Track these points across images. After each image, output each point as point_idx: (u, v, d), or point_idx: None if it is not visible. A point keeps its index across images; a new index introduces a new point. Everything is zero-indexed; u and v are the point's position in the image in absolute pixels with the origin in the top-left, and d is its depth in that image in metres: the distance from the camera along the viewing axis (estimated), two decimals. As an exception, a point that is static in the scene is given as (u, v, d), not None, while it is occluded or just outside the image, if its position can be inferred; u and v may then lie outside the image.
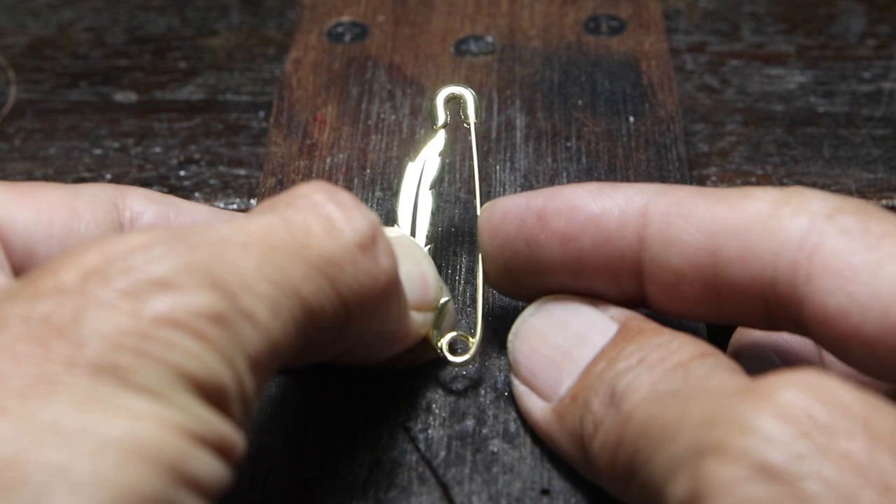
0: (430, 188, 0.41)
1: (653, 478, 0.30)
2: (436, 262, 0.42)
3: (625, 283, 0.36)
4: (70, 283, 0.27)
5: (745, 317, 0.34)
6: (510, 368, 0.37)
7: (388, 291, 0.33)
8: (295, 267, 0.30)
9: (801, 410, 0.28)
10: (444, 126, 0.42)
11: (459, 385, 0.39)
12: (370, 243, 0.32)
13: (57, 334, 0.26)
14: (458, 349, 0.39)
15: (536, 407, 0.36)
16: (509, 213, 0.37)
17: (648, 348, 0.33)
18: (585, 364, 0.35)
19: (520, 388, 0.37)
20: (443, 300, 0.38)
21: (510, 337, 0.38)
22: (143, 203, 0.38)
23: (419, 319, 0.37)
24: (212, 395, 0.27)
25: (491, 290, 0.40)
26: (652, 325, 0.35)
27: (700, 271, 0.34)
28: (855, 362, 0.32)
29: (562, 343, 0.36)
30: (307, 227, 0.31)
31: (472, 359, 0.38)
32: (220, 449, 0.27)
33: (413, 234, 0.40)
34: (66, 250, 0.30)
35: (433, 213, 0.41)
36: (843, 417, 0.27)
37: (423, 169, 0.41)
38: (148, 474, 0.25)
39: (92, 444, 0.25)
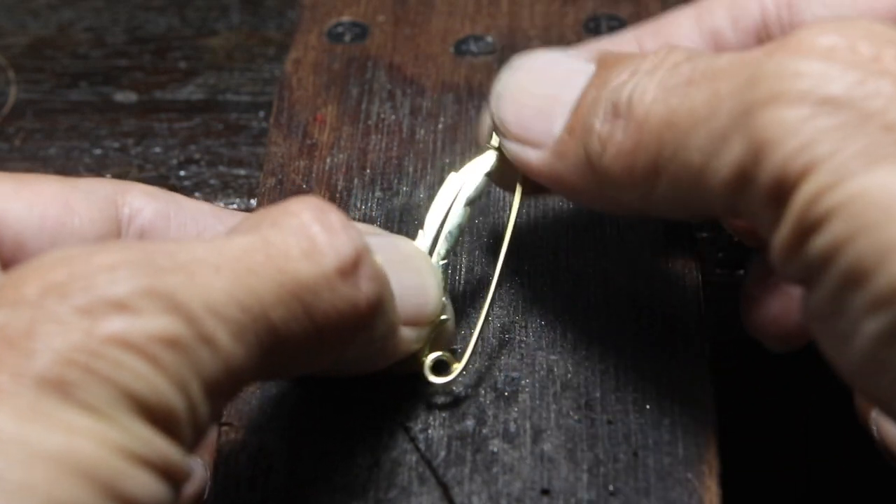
0: (466, 204, 0.39)
1: (687, 165, 0.31)
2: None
3: None
4: (30, 296, 0.27)
5: None
6: (497, 131, 0.37)
7: (368, 318, 0.32)
8: (268, 291, 0.30)
9: (845, 47, 0.29)
10: (497, 148, 0.39)
11: (459, 385, 0.39)
12: (352, 268, 0.32)
13: (8, 345, 0.26)
14: (442, 369, 0.38)
15: (533, 156, 0.36)
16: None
17: (636, 63, 0.34)
18: (574, 101, 0.35)
19: (513, 147, 0.37)
20: (442, 317, 0.37)
21: (492, 100, 0.38)
22: (143, 200, 0.38)
23: (410, 336, 0.36)
24: (159, 418, 0.27)
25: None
26: (629, 52, 0.35)
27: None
28: None
29: (546, 91, 0.36)
30: (287, 250, 0.31)
31: (453, 381, 0.38)
32: (163, 471, 0.27)
33: (434, 244, 0.39)
34: (56, 244, 0.31)
35: (461, 229, 0.39)
36: (886, 45, 0.29)
37: (464, 183, 0.39)
38: (79, 489, 0.25)
39: (26, 454, 0.25)
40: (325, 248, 0.31)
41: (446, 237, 0.39)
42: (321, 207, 0.32)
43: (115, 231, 0.37)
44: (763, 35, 0.35)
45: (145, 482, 0.27)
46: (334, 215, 0.32)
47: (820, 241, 0.28)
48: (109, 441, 0.26)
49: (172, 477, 0.27)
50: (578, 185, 0.35)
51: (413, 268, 0.37)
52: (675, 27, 0.38)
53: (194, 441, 0.29)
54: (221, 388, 0.29)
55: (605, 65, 0.35)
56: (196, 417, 0.28)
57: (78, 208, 0.36)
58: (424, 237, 0.39)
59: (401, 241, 0.38)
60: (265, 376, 0.32)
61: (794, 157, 0.28)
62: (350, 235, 0.32)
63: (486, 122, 0.40)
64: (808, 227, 0.28)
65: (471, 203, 0.39)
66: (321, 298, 0.31)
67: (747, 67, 0.30)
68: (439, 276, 0.38)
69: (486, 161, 0.39)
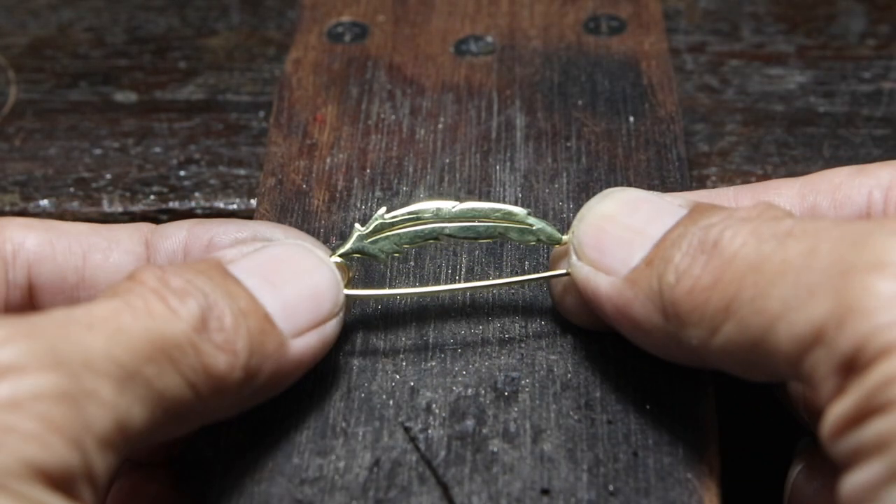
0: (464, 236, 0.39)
1: (762, 311, 0.30)
2: (436, 263, 0.43)
3: None
4: None
5: None
6: (573, 253, 0.37)
7: (233, 363, 0.33)
8: (139, 349, 0.31)
9: None
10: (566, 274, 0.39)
11: (459, 385, 0.39)
12: (202, 325, 0.33)
13: None
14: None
15: (604, 282, 0.36)
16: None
17: (730, 210, 0.33)
18: (659, 236, 0.35)
19: (584, 270, 0.37)
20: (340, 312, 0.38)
21: (574, 223, 0.38)
22: (22, 233, 0.38)
23: (311, 339, 0.36)
24: (57, 479, 0.27)
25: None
26: (717, 205, 0.35)
27: None
28: None
29: (633, 223, 0.36)
30: (149, 310, 0.32)
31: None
32: None
33: (370, 236, 0.39)
34: None
35: (415, 243, 0.39)
36: None
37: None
38: None
39: None
40: (177, 309, 0.33)
41: (396, 238, 0.39)
42: (160, 273, 0.33)
43: (1, 271, 0.37)
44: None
45: None
46: (175, 278, 0.33)
47: (883, 425, 0.27)
48: None
49: None
50: (642, 317, 0.34)
51: (296, 273, 0.37)
52: (776, 195, 0.37)
53: (95, 500, 0.29)
54: (114, 441, 0.29)
55: (698, 209, 0.35)
56: (93, 475, 0.29)
57: None
58: (362, 228, 0.39)
59: (283, 246, 0.38)
60: (172, 431, 0.33)
61: (880, 332, 0.27)
62: (192, 295, 0.33)
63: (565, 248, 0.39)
64: (876, 407, 0.27)
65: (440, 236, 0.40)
66: (186, 355, 0.32)
67: (853, 232, 0.29)
68: (332, 267, 0.38)
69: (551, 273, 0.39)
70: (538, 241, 0.39)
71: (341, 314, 0.38)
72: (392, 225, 0.39)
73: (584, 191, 0.45)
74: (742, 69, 0.57)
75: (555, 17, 0.54)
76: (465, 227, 0.39)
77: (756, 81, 0.56)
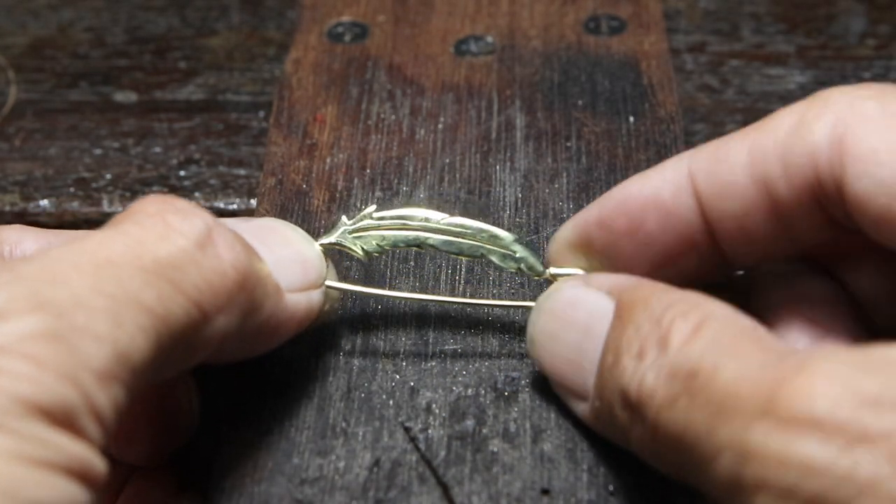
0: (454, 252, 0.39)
1: (698, 467, 0.30)
2: (436, 263, 0.43)
3: (701, 249, 0.36)
4: None
5: (814, 234, 0.35)
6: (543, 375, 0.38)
7: (241, 283, 0.33)
8: (132, 277, 0.30)
9: (841, 416, 0.27)
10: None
11: (459, 385, 0.39)
12: (207, 240, 0.32)
13: None
14: None
15: (578, 408, 0.36)
16: (573, 235, 0.37)
17: (644, 332, 0.33)
18: (598, 358, 0.35)
19: (557, 390, 0.37)
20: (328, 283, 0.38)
21: (527, 347, 0.38)
22: (18, 235, 0.37)
23: (301, 300, 0.37)
24: (56, 415, 0.27)
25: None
26: (641, 295, 0.34)
27: (757, 205, 0.34)
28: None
29: (573, 340, 0.36)
30: (142, 237, 0.31)
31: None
32: (69, 471, 0.27)
33: (353, 232, 0.40)
34: None
35: (394, 246, 0.39)
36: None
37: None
38: None
39: None
40: (178, 227, 0.32)
41: (380, 238, 0.39)
42: (165, 198, 0.33)
43: None
44: (819, 193, 0.34)
45: (51, 486, 0.26)
46: (180, 201, 0.33)
47: None
48: (8, 451, 0.26)
49: (82, 475, 0.27)
50: (625, 445, 0.35)
51: (282, 239, 0.38)
52: (729, 172, 0.35)
53: (103, 435, 0.28)
54: (118, 375, 0.29)
55: (621, 313, 0.34)
56: (97, 409, 0.28)
57: None
58: (347, 222, 0.39)
59: (266, 220, 0.39)
60: (183, 360, 0.32)
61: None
62: (199, 214, 0.33)
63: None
64: None
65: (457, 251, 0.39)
66: (188, 273, 0.31)
67: (733, 425, 0.29)
68: (315, 245, 0.39)
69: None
70: (518, 269, 0.39)
71: (324, 288, 0.38)
72: (378, 225, 0.39)
73: (584, 191, 0.45)
74: (742, 69, 0.57)
75: (555, 17, 0.54)
76: (449, 241, 0.39)
77: (756, 81, 0.56)
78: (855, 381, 0.27)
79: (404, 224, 0.39)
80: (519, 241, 0.39)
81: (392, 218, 0.39)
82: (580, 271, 0.38)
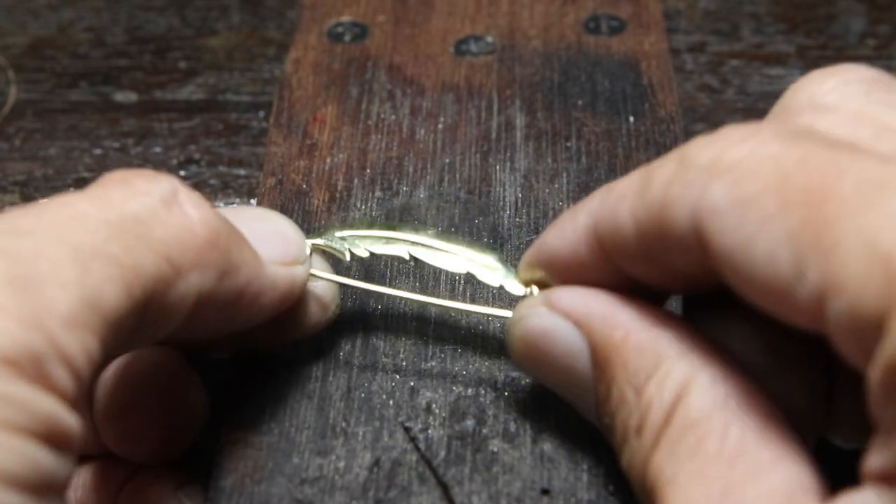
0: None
1: None
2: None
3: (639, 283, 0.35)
4: None
5: (710, 282, 0.33)
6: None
7: (212, 240, 0.33)
8: (96, 230, 0.30)
9: None
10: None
11: (459, 385, 0.39)
12: (172, 198, 0.32)
13: None
14: None
15: (584, 416, 0.36)
16: (528, 271, 0.37)
17: (628, 406, 0.32)
18: (590, 389, 0.34)
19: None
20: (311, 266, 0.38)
21: (514, 363, 0.37)
22: None
23: (282, 272, 0.36)
24: (18, 362, 0.26)
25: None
26: (613, 342, 0.33)
27: (652, 266, 0.33)
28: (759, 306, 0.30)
29: (557, 375, 0.35)
30: (107, 197, 0.31)
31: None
32: (36, 433, 0.26)
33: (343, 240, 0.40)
34: None
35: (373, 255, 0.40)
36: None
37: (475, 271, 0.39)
38: None
39: None
40: (143, 187, 0.32)
41: (367, 244, 0.39)
42: (130, 171, 0.33)
43: None
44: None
45: (12, 449, 0.25)
46: (143, 170, 0.33)
47: None
48: None
49: (51, 436, 0.26)
50: None
51: (260, 216, 0.38)
52: (619, 228, 0.33)
53: (75, 385, 0.27)
54: (88, 322, 0.28)
55: (599, 365, 0.33)
56: (66, 355, 0.27)
57: None
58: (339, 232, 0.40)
59: (245, 206, 0.40)
60: (158, 318, 0.32)
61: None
62: (164, 178, 0.33)
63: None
64: None
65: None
66: (153, 227, 0.31)
67: None
68: (294, 224, 0.38)
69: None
70: (501, 287, 0.38)
71: (308, 265, 0.38)
72: (367, 235, 0.40)
73: (585, 191, 0.45)
74: (742, 69, 0.57)
75: (555, 17, 0.54)
76: (435, 255, 0.39)
77: (756, 81, 0.56)
78: None
79: (391, 238, 0.39)
80: (500, 259, 0.39)
81: (381, 229, 0.40)
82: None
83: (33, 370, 0.26)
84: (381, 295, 0.41)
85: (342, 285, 0.40)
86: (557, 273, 0.36)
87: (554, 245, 0.36)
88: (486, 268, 0.39)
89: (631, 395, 0.32)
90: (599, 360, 0.33)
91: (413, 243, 0.39)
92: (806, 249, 0.27)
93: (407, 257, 0.39)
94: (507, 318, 0.37)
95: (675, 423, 0.30)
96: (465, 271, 0.39)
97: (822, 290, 0.27)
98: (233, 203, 0.51)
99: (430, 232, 0.40)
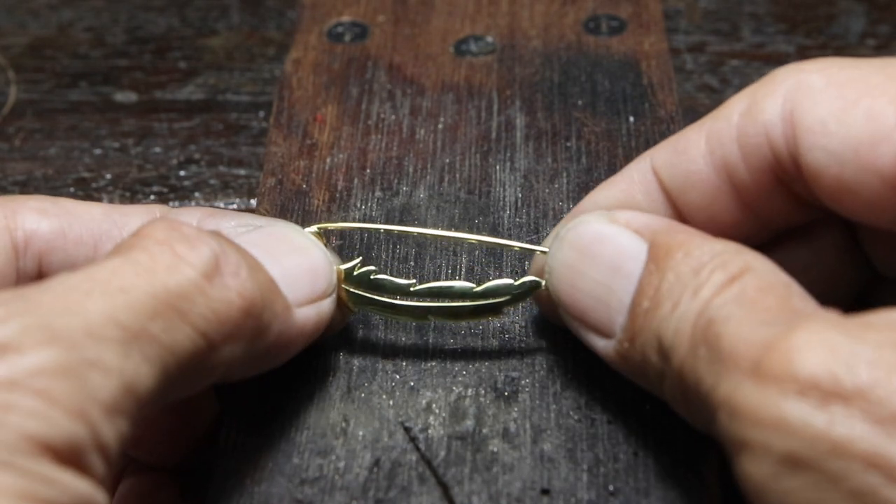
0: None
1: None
2: (436, 263, 0.43)
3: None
4: None
5: (781, 214, 0.35)
6: (556, 303, 0.37)
7: (247, 310, 0.33)
8: (142, 306, 0.30)
9: (827, 380, 0.27)
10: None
11: (459, 385, 0.39)
12: (214, 270, 0.32)
13: None
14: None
15: (598, 344, 0.36)
16: None
17: (684, 281, 0.33)
18: (630, 299, 0.34)
19: (574, 324, 0.37)
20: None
21: (546, 276, 0.37)
22: (35, 219, 0.37)
23: (310, 313, 0.36)
24: (63, 453, 0.27)
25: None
26: (679, 240, 0.34)
27: (721, 191, 0.35)
28: (855, 214, 0.33)
29: (600, 278, 0.35)
30: (152, 266, 0.31)
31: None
32: None
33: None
34: None
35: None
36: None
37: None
38: None
39: None
40: (186, 256, 0.32)
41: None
42: (172, 224, 0.33)
43: (11, 260, 0.36)
44: (778, 172, 0.34)
45: None
46: (186, 227, 0.33)
47: None
48: (15, 491, 0.26)
49: None
50: (641, 384, 0.35)
51: (293, 248, 0.37)
52: (690, 163, 0.36)
53: (107, 470, 0.29)
54: (124, 408, 0.29)
55: (656, 258, 0.34)
56: (102, 444, 0.28)
57: None
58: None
59: (276, 226, 0.38)
60: (187, 387, 0.32)
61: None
62: (204, 240, 0.33)
63: (537, 262, 0.38)
64: None
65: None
66: (195, 304, 0.31)
67: (735, 374, 0.29)
68: (324, 250, 0.38)
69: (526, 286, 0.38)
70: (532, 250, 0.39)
71: (334, 295, 0.38)
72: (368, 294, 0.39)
73: (584, 191, 0.45)
74: (742, 69, 0.57)
75: (555, 17, 0.54)
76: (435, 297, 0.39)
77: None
78: (837, 342, 0.28)
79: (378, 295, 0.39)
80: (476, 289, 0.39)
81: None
82: None
83: (74, 458, 0.27)
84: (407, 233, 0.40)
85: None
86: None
87: (599, 197, 0.37)
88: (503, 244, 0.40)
89: (689, 274, 0.33)
90: (659, 254, 0.34)
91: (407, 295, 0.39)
92: None
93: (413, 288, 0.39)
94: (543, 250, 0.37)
95: (735, 285, 0.31)
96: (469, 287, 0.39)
97: None
98: (233, 203, 0.51)
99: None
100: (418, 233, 0.40)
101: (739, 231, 0.35)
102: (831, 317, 0.29)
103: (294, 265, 0.36)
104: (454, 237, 0.40)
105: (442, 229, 0.41)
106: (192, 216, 0.38)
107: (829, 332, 0.28)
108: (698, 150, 0.35)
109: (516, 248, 0.40)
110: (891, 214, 0.32)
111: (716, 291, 0.32)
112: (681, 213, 0.36)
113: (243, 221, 0.38)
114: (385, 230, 0.41)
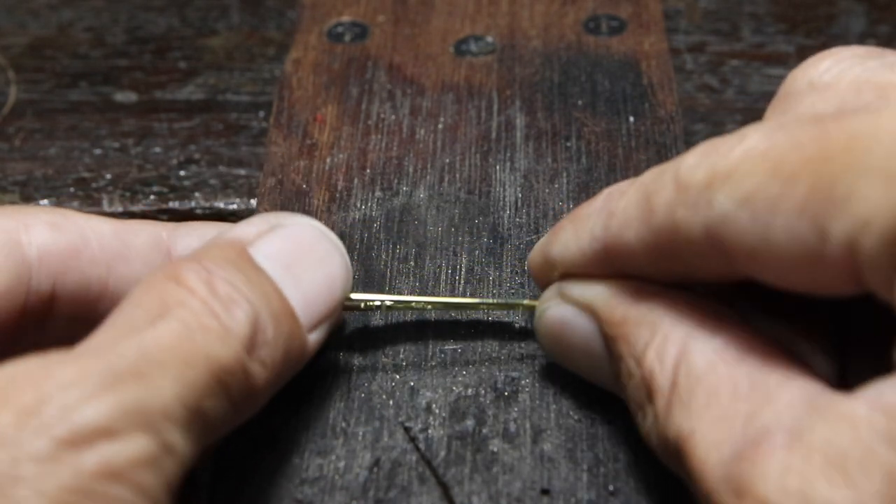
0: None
1: None
2: (436, 263, 0.43)
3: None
4: (5, 427, 0.26)
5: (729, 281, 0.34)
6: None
7: (274, 381, 0.33)
8: (202, 383, 0.30)
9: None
10: None
11: (459, 385, 0.39)
12: (253, 344, 0.32)
13: None
14: None
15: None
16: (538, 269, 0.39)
17: (635, 380, 0.33)
18: (611, 372, 0.35)
19: None
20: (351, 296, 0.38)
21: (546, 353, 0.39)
22: (49, 235, 0.35)
23: (323, 333, 0.36)
24: None
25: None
26: (619, 322, 0.34)
27: (670, 278, 0.34)
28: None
29: (579, 359, 0.37)
30: (205, 332, 0.31)
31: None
32: None
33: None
34: None
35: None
36: None
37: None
38: None
39: None
40: (229, 325, 0.32)
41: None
42: (207, 278, 0.32)
43: (24, 279, 0.34)
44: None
45: None
46: (221, 284, 0.32)
47: None
48: None
49: None
50: None
51: (317, 259, 0.36)
52: (629, 253, 0.35)
53: None
54: (176, 487, 0.29)
55: (610, 346, 0.35)
56: None
57: None
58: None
59: (297, 226, 0.37)
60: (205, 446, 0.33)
61: None
62: (242, 304, 0.32)
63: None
64: None
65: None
66: (237, 379, 0.31)
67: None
68: (343, 251, 0.37)
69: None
70: (520, 306, 0.40)
71: (342, 303, 0.38)
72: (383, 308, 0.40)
73: (584, 191, 0.45)
74: (742, 69, 0.57)
75: (555, 17, 0.54)
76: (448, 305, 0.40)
77: (756, 81, 0.56)
78: (803, 467, 0.27)
79: (407, 301, 0.40)
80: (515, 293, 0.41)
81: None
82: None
83: None
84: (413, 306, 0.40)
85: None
86: (566, 271, 0.37)
87: (561, 255, 0.37)
88: (505, 304, 0.40)
89: (634, 367, 0.33)
90: (608, 340, 0.35)
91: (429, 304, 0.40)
92: (822, 211, 0.28)
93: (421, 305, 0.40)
94: (534, 307, 0.39)
95: (681, 384, 0.31)
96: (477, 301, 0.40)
97: (851, 237, 0.27)
98: (233, 203, 0.51)
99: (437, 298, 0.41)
100: (430, 302, 0.40)
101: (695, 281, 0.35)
102: (792, 422, 0.28)
103: (314, 284, 0.36)
104: (462, 303, 0.41)
105: (454, 297, 0.41)
106: (195, 233, 0.38)
107: (794, 447, 0.27)
108: (640, 254, 0.34)
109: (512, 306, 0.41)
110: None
111: (666, 404, 0.31)
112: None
113: (263, 220, 0.37)
114: (408, 302, 0.40)
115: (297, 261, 0.36)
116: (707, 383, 0.31)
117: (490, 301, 0.41)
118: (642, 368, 0.33)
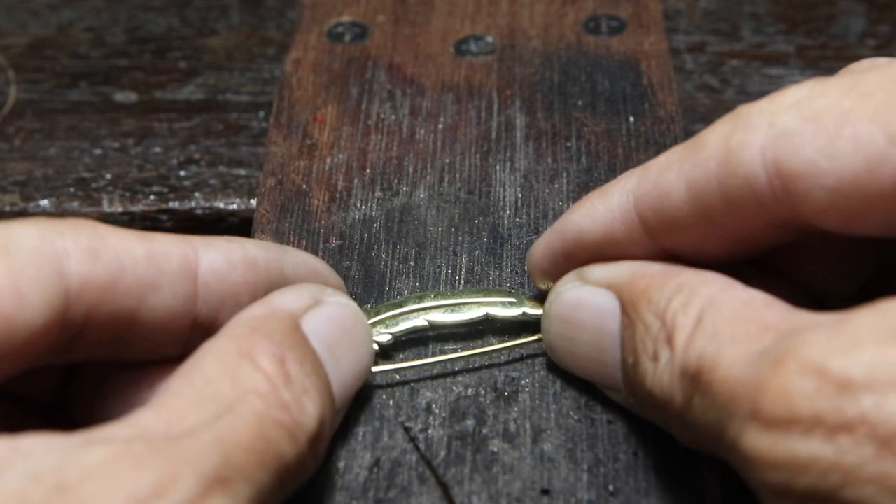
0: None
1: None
2: (436, 263, 0.43)
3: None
4: None
5: (765, 242, 0.35)
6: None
7: (316, 466, 0.34)
8: (271, 485, 0.30)
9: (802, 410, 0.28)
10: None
11: (459, 385, 0.39)
12: (316, 441, 0.32)
13: None
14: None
15: (616, 398, 0.37)
16: (543, 262, 0.39)
17: (653, 331, 0.33)
18: (619, 357, 0.36)
19: (592, 381, 0.38)
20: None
21: (549, 354, 0.39)
22: (87, 267, 0.33)
23: (340, 418, 0.37)
24: None
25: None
26: (641, 288, 0.35)
27: (706, 234, 0.35)
28: (863, 233, 0.32)
29: (590, 340, 0.37)
30: (278, 429, 0.31)
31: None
32: None
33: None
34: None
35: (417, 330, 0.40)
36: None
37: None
38: None
39: None
40: (301, 422, 0.32)
41: (388, 328, 0.40)
42: (280, 356, 0.32)
43: (60, 309, 0.32)
44: (767, 216, 0.33)
45: None
46: (294, 368, 0.33)
47: None
48: None
49: None
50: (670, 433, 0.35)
51: (354, 341, 0.36)
52: (675, 210, 0.35)
53: None
54: None
55: (628, 310, 0.35)
56: None
57: (25, 291, 0.31)
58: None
59: (343, 309, 0.37)
60: None
61: None
62: (314, 401, 0.32)
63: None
64: None
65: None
66: (293, 475, 0.32)
67: (737, 420, 0.29)
68: (372, 338, 0.38)
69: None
70: (523, 313, 0.40)
71: None
72: (381, 320, 0.40)
73: (585, 191, 0.45)
74: (742, 69, 0.57)
75: (555, 17, 0.54)
76: (451, 311, 0.40)
77: (756, 81, 0.56)
78: (827, 369, 0.28)
79: (404, 312, 0.40)
80: (513, 291, 0.41)
81: (389, 310, 0.40)
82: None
83: None
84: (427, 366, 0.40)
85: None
86: (583, 252, 0.37)
87: (582, 225, 0.37)
88: (503, 304, 0.40)
89: (653, 321, 0.33)
90: (628, 308, 0.35)
91: (427, 309, 0.40)
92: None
93: (426, 324, 0.40)
94: (531, 341, 0.39)
95: (706, 320, 0.32)
96: (483, 315, 0.40)
97: None
98: (233, 203, 0.51)
99: (432, 295, 0.41)
100: (448, 359, 0.40)
101: (722, 258, 0.35)
102: (810, 325, 0.29)
103: (349, 366, 0.36)
104: (479, 353, 0.40)
105: (466, 350, 0.40)
106: (216, 247, 0.36)
107: (816, 356, 0.28)
108: (680, 197, 0.34)
109: (514, 348, 0.40)
110: None
111: (688, 337, 0.32)
112: (663, 249, 0.36)
113: (306, 291, 0.37)
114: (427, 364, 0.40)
115: (338, 343, 0.36)
116: (735, 318, 0.31)
117: (505, 345, 0.40)
118: (663, 318, 0.33)
